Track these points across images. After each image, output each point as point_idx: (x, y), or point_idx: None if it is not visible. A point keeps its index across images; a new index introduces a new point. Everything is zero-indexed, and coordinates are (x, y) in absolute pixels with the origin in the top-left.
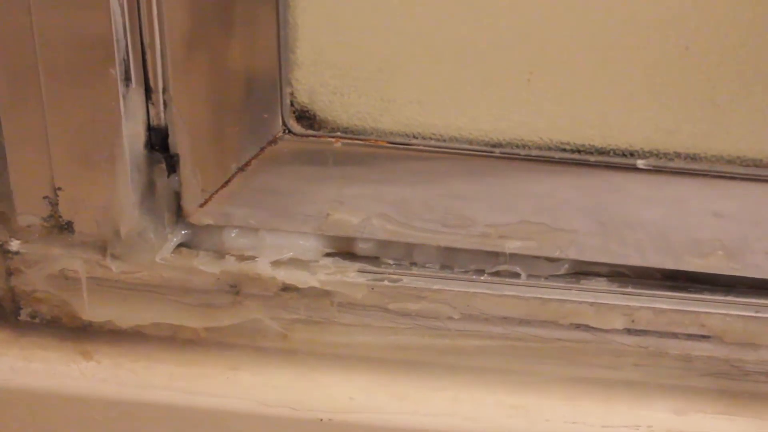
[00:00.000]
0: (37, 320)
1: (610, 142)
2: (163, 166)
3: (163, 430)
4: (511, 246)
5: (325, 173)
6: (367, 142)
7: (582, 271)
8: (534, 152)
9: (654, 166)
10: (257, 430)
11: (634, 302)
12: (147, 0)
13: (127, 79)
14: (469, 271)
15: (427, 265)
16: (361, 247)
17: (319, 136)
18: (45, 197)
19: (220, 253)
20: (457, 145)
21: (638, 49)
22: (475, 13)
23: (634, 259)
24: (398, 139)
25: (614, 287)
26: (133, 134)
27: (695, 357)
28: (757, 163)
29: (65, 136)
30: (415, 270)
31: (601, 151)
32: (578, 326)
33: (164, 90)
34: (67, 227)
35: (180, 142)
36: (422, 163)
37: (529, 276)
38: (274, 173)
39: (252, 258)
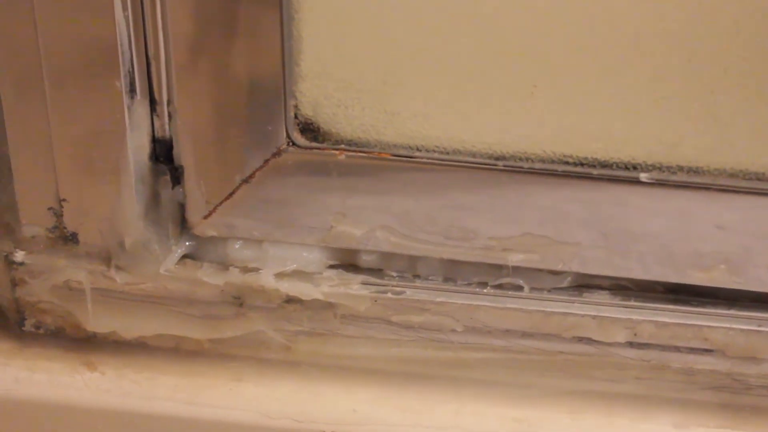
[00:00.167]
0: (41, 331)
1: (613, 155)
2: (168, 177)
3: None
4: (514, 259)
5: (328, 185)
6: (370, 155)
7: (585, 284)
8: (537, 165)
9: (657, 180)
10: None
11: (636, 315)
12: (152, 13)
13: (132, 91)
14: (472, 283)
15: (430, 278)
16: (365, 259)
17: (323, 149)
18: (50, 208)
19: (224, 265)
20: (460, 158)
21: (641, 62)
22: (479, 26)
23: (637, 272)
24: (402, 152)
25: (617, 300)
26: (137, 146)
27: (697, 370)
28: (759, 177)
29: (70, 147)
30: (418, 282)
31: (604, 165)
32: (581, 339)
33: (169, 102)
34: (71, 238)
35: (184, 153)
36: (426, 176)
37: (532, 289)
38: (278, 185)
39: (256, 270)
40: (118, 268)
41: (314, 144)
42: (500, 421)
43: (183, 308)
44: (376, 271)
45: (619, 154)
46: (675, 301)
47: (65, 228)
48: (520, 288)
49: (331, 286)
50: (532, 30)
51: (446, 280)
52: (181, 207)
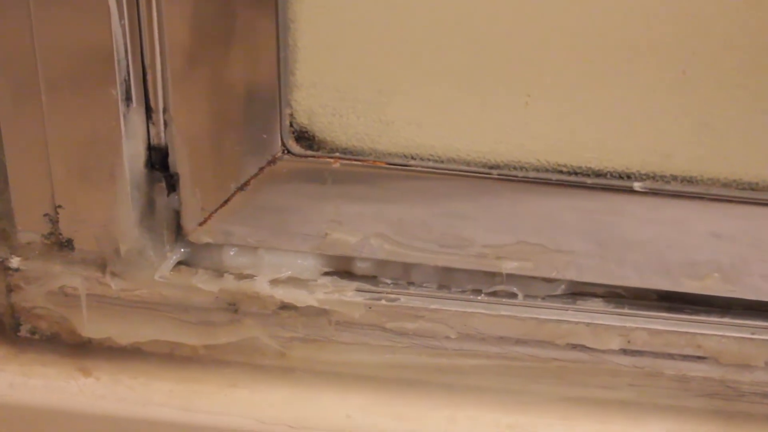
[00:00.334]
0: (36, 336)
1: (607, 164)
2: (163, 184)
3: None
4: (508, 266)
5: (323, 193)
6: (365, 163)
7: (579, 292)
8: (531, 174)
9: (650, 189)
10: None
11: (630, 323)
12: (148, 21)
13: (128, 98)
14: (467, 291)
15: (424, 285)
16: (359, 267)
17: (318, 157)
18: (45, 215)
19: (219, 272)
20: (454, 167)
21: (635, 73)
22: (474, 36)
23: (631, 280)
24: (396, 160)
25: (611, 308)
26: (133, 153)
27: (691, 378)
28: (753, 186)
29: (66, 154)
30: (412, 289)
31: (598, 174)
32: (574, 346)
33: (165, 110)
34: (67, 244)
35: (180, 161)
36: (420, 184)
37: (526, 296)
38: (273, 193)
39: (251, 276)
40: (114, 274)
41: (309, 152)
42: (494, 427)
43: (178, 314)
44: (371, 278)
45: (613, 163)
46: (669, 309)
47: (61, 234)
48: (514, 295)
49: (325, 293)
50: (526, 40)
51: (440, 287)
52: (177, 214)
